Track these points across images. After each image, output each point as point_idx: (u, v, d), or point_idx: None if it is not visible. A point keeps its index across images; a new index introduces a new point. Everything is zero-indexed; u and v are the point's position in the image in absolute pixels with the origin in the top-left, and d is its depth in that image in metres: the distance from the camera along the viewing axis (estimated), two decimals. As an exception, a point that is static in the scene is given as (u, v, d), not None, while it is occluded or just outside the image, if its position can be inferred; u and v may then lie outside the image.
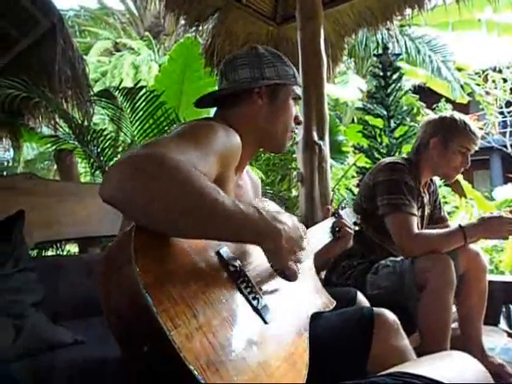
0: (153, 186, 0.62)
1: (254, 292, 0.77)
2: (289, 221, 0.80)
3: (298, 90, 1.10)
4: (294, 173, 3.52)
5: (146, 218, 0.63)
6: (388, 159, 1.85)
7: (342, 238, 1.29)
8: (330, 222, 1.31)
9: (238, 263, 0.77)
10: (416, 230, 1.61)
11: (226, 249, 0.77)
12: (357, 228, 1.41)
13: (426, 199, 1.84)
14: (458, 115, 1.77)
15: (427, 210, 1.86)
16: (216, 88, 1.11)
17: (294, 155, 4.18)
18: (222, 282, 0.72)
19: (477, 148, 1.76)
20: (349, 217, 1.40)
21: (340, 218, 1.33)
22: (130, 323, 0.60)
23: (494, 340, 1.93)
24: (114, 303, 0.63)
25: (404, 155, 1.89)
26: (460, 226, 1.63)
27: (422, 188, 1.82)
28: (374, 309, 1.00)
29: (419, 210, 1.79)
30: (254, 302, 0.75)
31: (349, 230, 1.29)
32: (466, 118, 1.78)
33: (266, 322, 0.74)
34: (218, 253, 0.75)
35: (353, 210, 1.47)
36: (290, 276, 0.80)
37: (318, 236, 1.22)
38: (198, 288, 0.65)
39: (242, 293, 0.74)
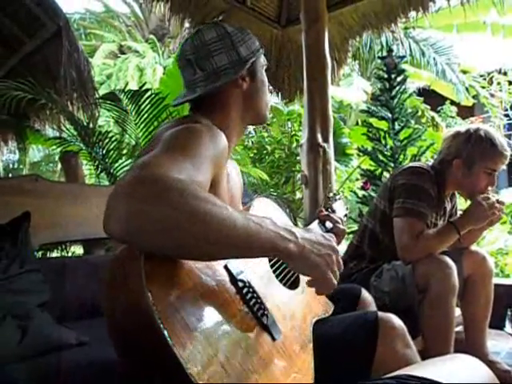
0: (162, 217, 0.58)
1: (263, 308, 0.76)
2: (299, 229, 0.77)
3: (264, 58, 1.07)
4: (298, 175, 3.52)
5: (160, 249, 0.60)
6: (412, 163, 1.82)
7: (336, 235, 1.21)
8: (322, 219, 1.25)
9: (245, 277, 0.76)
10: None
11: (233, 261, 0.75)
12: (345, 219, 1.37)
13: (448, 208, 1.82)
14: (484, 131, 1.66)
15: (447, 219, 1.83)
16: (184, 82, 1.03)
17: (298, 157, 4.18)
18: (231, 299, 0.71)
19: (504, 166, 1.67)
20: (341, 209, 1.37)
21: (334, 212, 1.29)
22: (139, 348, 0.59)
23: (499, 344, 1.92)
24: (119, 319, 0.61)
25: (429, 162, 1.82)
26: (449, 221, 1.63)
27: (446, 196, 1.78)
28: (379, 313, 0.97)
29: (441, 218, 1.77)
30: (263, 319, 0.74)
31: (341, 226, 1.22)
32: (495, 134, 1.67)
33: (274, 339, 0.74)
34: (226, 267, 0.73)
35: (370, 210, 1.41)
36: (323, 290, 0.76)
37: None
38: (210, 310, 0.64)
39: (251, 310, 0.73)
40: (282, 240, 0.68)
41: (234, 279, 0.73)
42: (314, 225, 1.21)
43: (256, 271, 0.83)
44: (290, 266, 0.72)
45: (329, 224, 1.23)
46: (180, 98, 1.02)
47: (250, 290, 0.75)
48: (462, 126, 1.88)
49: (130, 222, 0.58)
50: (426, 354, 1.09)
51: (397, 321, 0.97)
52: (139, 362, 0.61)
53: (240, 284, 0.74)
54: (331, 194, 1.40)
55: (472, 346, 1.70)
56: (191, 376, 0.54)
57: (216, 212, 0.61)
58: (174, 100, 1.05)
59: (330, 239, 0.78)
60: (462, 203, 2.05)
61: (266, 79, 1.07)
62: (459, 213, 1.93)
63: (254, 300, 0.75)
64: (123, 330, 0.62)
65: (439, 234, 1.60)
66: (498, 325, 1.91)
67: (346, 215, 1.39)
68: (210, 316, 0.64)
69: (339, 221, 1.23)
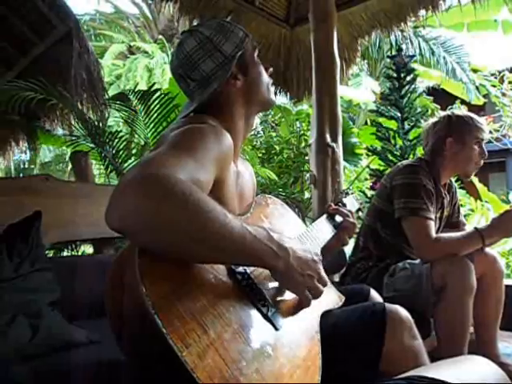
0: (162, 215, 0.60)
1: (263, 298, 0.76)
2: (296, 243, 0.79)
3: (252, 41, 1.05)
4: (307, 175, 3.51)
5: (155, 245, 0.62)
6: (406, 162, 1.84)
7: (345, 229, 1.22)
8: (332, 212, 1.25)
9: (244, 269, 0.76)
10: (434, 234, 1.60)
11: None
12: (360, 213, 1.38)
13: (446, 200, 1.83)
14: (457, 111, 1.83)
15: (445, 212, 1.84)
16: (184, 94, 1.06)
17: (307, 157, 4.17)
18: (230, 291, 0.71)
19: (486, 135, 1.79)
20: (353, 204, 1.37)
21: (344, 206, 1.29)
22: (140, 342, 0.60)
23: (510, 345, 1.90)
24: (119, 313, 0.63)
25: (421, 156, 1.88)
26: (476, 228, 1.61)
27: (443, 188, 1.81)
28: (386, 305, 0.97)
29: (439, 210, 1.78)
30: (264, 309, 0.74)
31: (350, 219, 1.22)
32: (464, 111, 1.85)
33: (276, 329, 0.74)
34: None
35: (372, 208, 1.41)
36: (303, 305, 0.80)
37: (323, 229, 1.16)
38: (207, 301, 0.64)
39: (251, 300, 0.73)
40: (272, 256, 0.71)
41: (232, 271, 0.74)
42: (322, 219, 1.20)
43: None
44: (273, 277, 0.76)
45: (338, 218, 1.23)
46: (185, 110, 1.05)
47: (249, 281, 0.76)
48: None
49: (130, 215, 0.60)
50: (439, 355, 1.08)
51: (404, 313, 0.97)
52: (140, 355, 0.62)
53: (238, 276, 0.74)
54: (343, 189, 1.40)
55: (483, 347, 1.68)
56: (187, 364, 0.55)
57: (215, 217, 0.64)
58: (180, 114, 1.06)
59: (317, 261, 0.81)
60: (471, 202, 2.03)
61: (260, 67, 1.06)
62: (462, 210, 1.97)
63: (253, 291, 0.75)
64: (123, 324, 0.63)
65: (462, 239, 1.60)
66: (509, 326, 1.89)
67: (359, 210, 1.39)
68: (206, 306, 0.64)
69: (349, 214, 1.23)
